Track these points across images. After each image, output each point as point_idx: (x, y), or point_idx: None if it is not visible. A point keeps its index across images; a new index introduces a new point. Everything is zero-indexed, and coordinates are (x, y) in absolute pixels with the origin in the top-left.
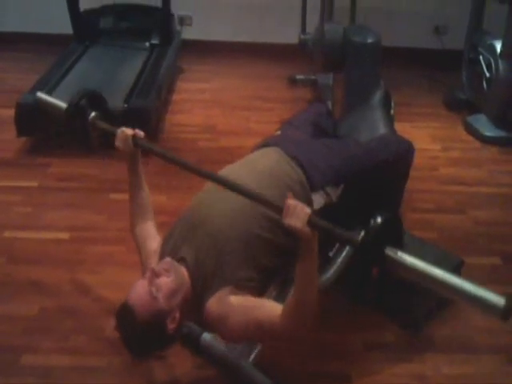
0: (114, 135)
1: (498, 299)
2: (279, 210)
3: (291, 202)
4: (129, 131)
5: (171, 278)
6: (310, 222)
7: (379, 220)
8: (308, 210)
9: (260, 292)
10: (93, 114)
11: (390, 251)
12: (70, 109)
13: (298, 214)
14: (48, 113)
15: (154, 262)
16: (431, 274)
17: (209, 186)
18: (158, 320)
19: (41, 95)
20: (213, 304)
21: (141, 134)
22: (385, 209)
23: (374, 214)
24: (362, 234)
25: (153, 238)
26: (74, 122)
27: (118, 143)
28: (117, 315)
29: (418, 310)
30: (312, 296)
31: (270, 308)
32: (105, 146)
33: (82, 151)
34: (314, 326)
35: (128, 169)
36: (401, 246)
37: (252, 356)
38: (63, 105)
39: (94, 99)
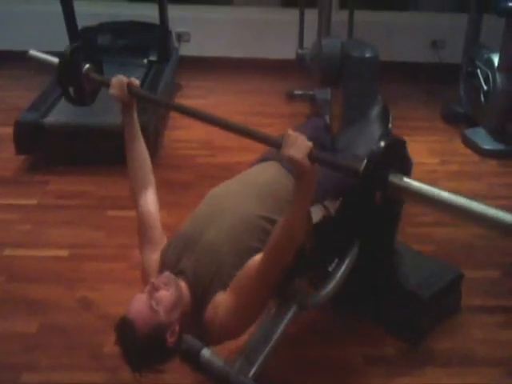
0: (108, 85)
1: (507, 217)
2: (278, 143)
3: (292, 133)
4: (124, 78)
5: (170, 292)
6: (310, 155)
7: (382, 144)
8: (309, 143)
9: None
10: (86, 65)
11: (394, 177)
12: (63, 62)
13: (298, 145)
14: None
15: (152, 273)
16: (438, 197)
17: (208, 199)
18: (157, 333)
19: (32, 52)
20: (210, 310)
21: (136, 82)
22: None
23: (378, 139)
24: (365, 161)
25: (155, 228)
26: (67, 75)
27: (112, 91)
28: (117, 329)
29: (417, 323)
30: (299, 227)
31: (250, 262)
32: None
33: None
34: (314, 340)
35: (123, 120)
36: (407, 172)
37: (252, 371)
38: (55, 59)
39: (88, 52)
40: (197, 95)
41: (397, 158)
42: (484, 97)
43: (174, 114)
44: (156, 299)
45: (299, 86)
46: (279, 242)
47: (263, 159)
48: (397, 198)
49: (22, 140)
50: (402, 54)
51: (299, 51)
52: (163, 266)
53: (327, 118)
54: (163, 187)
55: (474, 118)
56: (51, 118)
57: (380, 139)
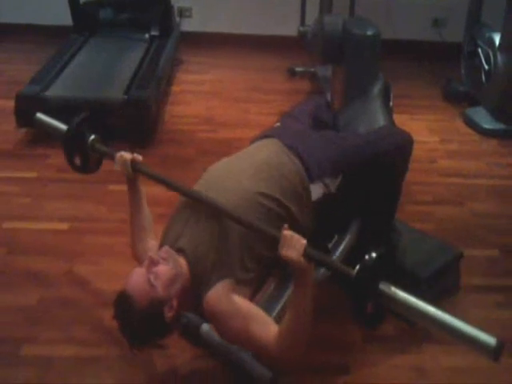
0: (112, 158)
1: (489, 339)
2: (276, 239)
3: (287, 233)
4: (127, 156)
5: (169, 267)
6: (305, 253)
7: (374, 255)
8: (304, 241)
9: (259, 283)
10: (92, 136)
11: (383, 286)
12: (70, 131)
13: (294, 245)
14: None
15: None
16: (423, 310)
17: (206, 177)
18: (155, 308)
19: (40, 116)
20: (211, 299)
21: (139, 158)
22: (378, 243)
23: (368, 249)
24: (357, 268)
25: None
26: (73, 144)
27: (117, 167)
28: (115, 303)
29: None
30: (306, 325)
31: (267, 326)
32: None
33: (79, 175)
34: (313, 318)
35: (128, 189)
36: (394, 281)
37: None
38: (63, 127)
39: (94, 121)
40: (198, 71)
41: (386, 266)
42: (485, 76)
43: (175, 90)
44: (154, 273)
45: (300, 63)
46: (290, 333)
47: (264, 136)
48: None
49: (23, 113)
50: (403, 32)
51: (301, 28)
52: (163, 242)
53: (328, 95)
54: (163, 162)
55: (475, 97)
56: (52, 92)
57: (372, 249)
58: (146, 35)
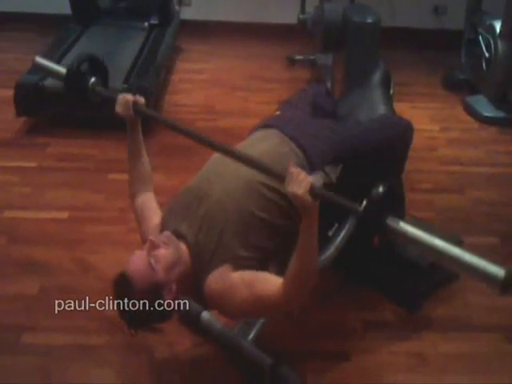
0: (114, 100)
1: (497, 271)
2: (281, 177)
3: (294, 169)
4: (129, 97)
5: (170, 251)
6: (311, 191)
7: (381, 189)
8: (310, 179)
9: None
10: (93, 79)
11: (391, 221)
12: (70, 74)
13: (300, 181)
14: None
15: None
16: (432, 244)
17: (209, 164)
18: (154, 291)
19: (39, 60)
20: (213, 280)
21: (141, 100)
22: (386, 178)
23: (375, 183)
24: (364, 203)
25: (153, 211)
26: (73, 87)
27: (118, 108)
28: (114, 285)
29: (416, 288)
30: (312, 265)
31: (270, 281)
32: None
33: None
34: (314, 305)
35: (128, 136)
36: (402, 215)
37: (252, 334)
38: (63, 70)
39: (95, 64)
40: (198, 59)
41: (394, 201)
42: (485, 64)
43: (174, 78)
44: (155, 257)
45: (300, 51)
46: (295, 281)
47: (264, 125)
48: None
49: (23, 102)
50: (403, 19)
51: (301, 16)
52: (164, 228)
53: (328, 83)
54: (163, 151)
55: (475, 85)
56: (52, 80)
57: (379, 184)
58: (146, 24)
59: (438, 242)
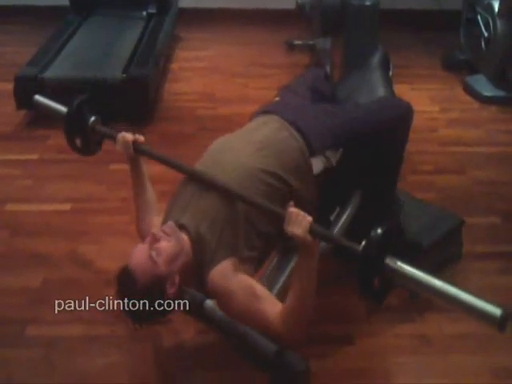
0: (114, 139)
1: (494, 310)
2: (281, 217)
3: (293, 210)
4: (129, 136)
5: (172, 243)
6: (311, 230)
7: (380, 231)
8: (309, 218)
9: (262, 257)
10: (93, 118)
11: (389, 261)
12: (70, 114)
13: (299, 222)
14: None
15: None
16: (429, 284)
17: (208, 153)
18: (157, 284)
19: (38, 98)
20: (216, 276)
21: (141, 138)
22: (385, 218)
23: (374, 224)
24: (363, 243)
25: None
26: (73, 126)
27: (118, 147)
28: (117, 279)
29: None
30: (310, 301)
31: (271, 304)
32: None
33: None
34: (317, 290)
35: (130, 170)
36: (400, 255)
37: None
38: (63, 109)
39: (93, 102)
40: (196, 47)
41: (392, 241)
42: (484, 43)
43: (174, 67)
44: (157, 250)
45: (299, 36)
46: (294, 308)
47: (264, 111)
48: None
49: (22, 95)
50: (402, 1)
51: (299, 1)
52: (167, 218)
53: (328, 67)
54: (163, 140)
55: (475, 65)
56: (51, 73)
57: (379, 224)
58: (144, 13)
59: (436, 282)
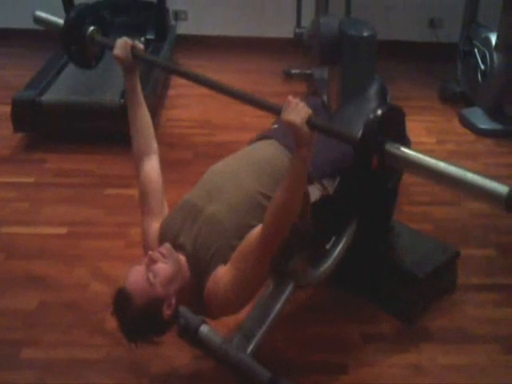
0: (112, 47)
1: (501, 188)
2: (278, 109)
3: (293, 99)
4: (128, 41)
5: (168, 265)
6: (309, 121)
7: (379, 112)
8: (309, 110)
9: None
10: (91, 28)
11: (390, 146)
12: (68, 24)
13: (298, 110)
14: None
15: (152, 243)
16: (434, 166)
17: (208, 176)
18: (154, 306)
19: (38, 13)
20: (211, 284)
21: (140, 46)
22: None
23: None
24: (362, 130)
25: (155, 184)
26: (71, 37)
27: (116, 51)
28: (114, 299)
29: (413, 301)
30: (296, 199)
31: (251, 236)
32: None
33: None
34: (312, 318)
35: (126, 85)
36: (403, 141)
37: (250, 348)
38: (60, 21)
39: (92, 14)
40: None
41: (394, 126)
42: (481, 76)
43: (171, 94)
44: (153, 271)
45: (297, 64)
46: (277, 215)
47: (262, 137)
48: (393, 173)
49: (20, 118)
50: (399, 32)
51: (297, 30)
52: (163, 238)
53: (325, 97)
54: (160, 166)
55: (471, 98)
56: (49, 96)
57: (378, 107)
58: (142, 39)
59: (440, 164)
